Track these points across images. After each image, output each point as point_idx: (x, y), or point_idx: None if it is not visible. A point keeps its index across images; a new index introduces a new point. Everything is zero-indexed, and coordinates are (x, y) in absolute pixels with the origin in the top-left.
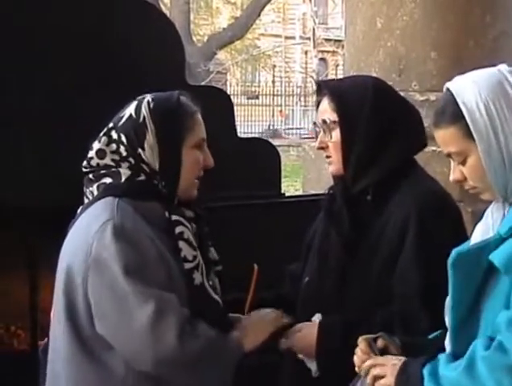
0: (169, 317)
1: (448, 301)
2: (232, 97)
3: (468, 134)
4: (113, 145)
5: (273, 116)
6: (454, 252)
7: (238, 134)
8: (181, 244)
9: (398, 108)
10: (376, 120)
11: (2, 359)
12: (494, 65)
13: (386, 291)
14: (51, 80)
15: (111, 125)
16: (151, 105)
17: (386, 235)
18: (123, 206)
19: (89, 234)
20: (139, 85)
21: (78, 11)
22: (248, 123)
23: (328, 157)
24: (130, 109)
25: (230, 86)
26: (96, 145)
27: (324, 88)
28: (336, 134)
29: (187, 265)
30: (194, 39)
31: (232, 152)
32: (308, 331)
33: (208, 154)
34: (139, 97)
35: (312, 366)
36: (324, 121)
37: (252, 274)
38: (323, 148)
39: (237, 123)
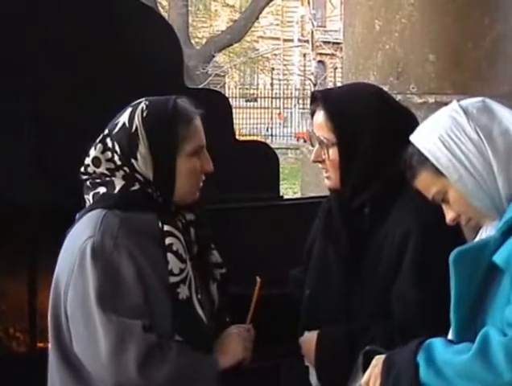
0: (130, 347)
1: (452, 301)
2: (230, 100)
3: (438, 172)
4: (108, 154)
5: (271, 118)
6: (455, 250)
7: (237, 137)
8: (169, 256)
9: (399, 123)
10: (378, 139)
11: (0, 362)
12: (493, 67)
13: (388, 306)
14: (47, 81)
15: (106, 131)
16: (144, 114)
17: (385, 250)
18: (108, 220)
19: (74, 251)
20: (137, 88)
21: (75, 13)
22: (246, 125)
23: (324, 170)
24: (124, 117)
25: (229, 89)
26: (92, 153)
27: (321, 101)
28: (334, 152)
29: (173, 279)
30: (192, 41)
31: (230, 155)
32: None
33: (206, 160)
34: (134, 103)
35: (313, 378)
36: (321, 138)
37: (254, 286)
38: (319, 161)
39: (236, 126)
